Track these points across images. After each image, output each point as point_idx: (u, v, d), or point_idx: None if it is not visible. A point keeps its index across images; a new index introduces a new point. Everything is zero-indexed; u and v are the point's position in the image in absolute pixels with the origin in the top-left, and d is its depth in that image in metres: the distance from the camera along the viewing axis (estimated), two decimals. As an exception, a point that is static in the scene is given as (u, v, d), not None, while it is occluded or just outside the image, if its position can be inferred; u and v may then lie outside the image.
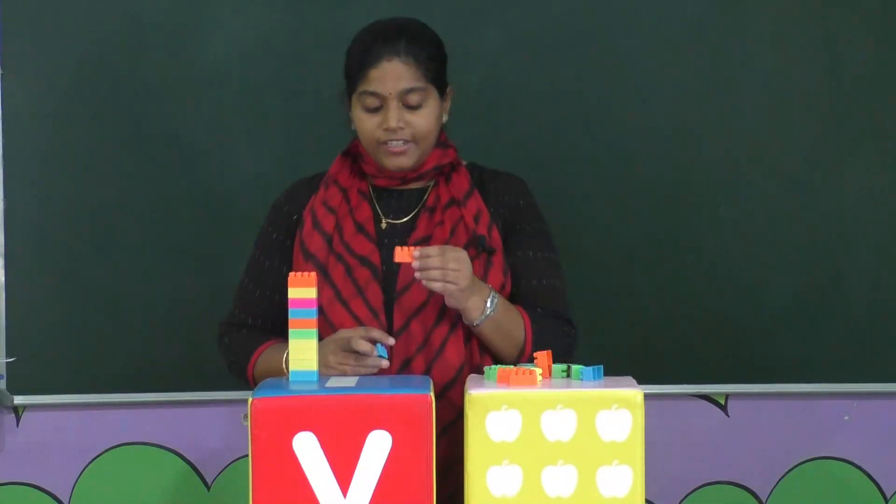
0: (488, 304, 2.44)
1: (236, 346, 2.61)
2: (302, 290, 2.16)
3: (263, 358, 2.54)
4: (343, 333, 2.42)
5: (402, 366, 2.45)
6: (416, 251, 2.36)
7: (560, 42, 3.35)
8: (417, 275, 2.37)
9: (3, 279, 3.26)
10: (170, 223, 3.30)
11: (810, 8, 3.40)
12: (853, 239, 3.42)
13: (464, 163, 2.63)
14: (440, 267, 2.36)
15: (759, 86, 3.40)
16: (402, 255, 2.37)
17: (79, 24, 3.27)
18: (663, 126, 3.38)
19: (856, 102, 3.41)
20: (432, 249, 2.37)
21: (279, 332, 2.49)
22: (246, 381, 2.57)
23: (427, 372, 2.45)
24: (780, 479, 3.48)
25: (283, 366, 2.43)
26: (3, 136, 3.25)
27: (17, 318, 3.26)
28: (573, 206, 3.31)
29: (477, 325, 2.45)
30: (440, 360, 2.45)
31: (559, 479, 2.05)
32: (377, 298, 2.49)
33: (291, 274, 2.17)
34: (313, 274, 2.18)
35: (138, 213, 3.29)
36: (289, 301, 2.16)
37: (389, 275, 2.50)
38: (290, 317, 2.16)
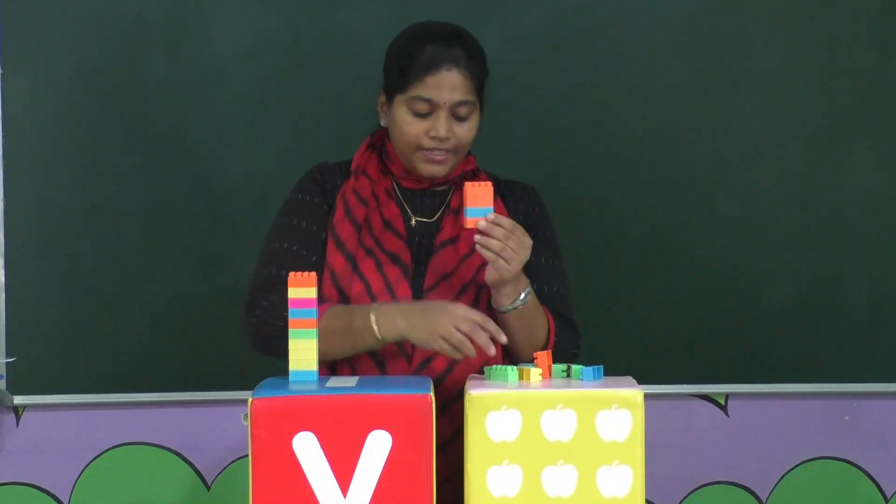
0: (520, 297, 2.44)
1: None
2: (302, 290, 2.16)
3: (329, 313, 2.40)
4: (472, 315, 2.35)
5: (422, 364, 2.45)
6: (491, 216, 2.36)
7: (559, 42, 3.36)
8: (478, 237, 2.36)
9: (3, 279, 3.26)
10: (170, 223, 3.29)
11: (810, 8, 3.40)
12: (853, 238, 3.42)
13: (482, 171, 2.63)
14: (502, 241, 2.36)
15: (759, 85, 3.40)
16: (472, 221, 2.35)
17: (79, 23, 3.26)
18: (663, 125, 3.39)
19: (855, 102, 3.41)
20: (505, 221, 2.37)
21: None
22: None
23: (448, 371, 2.45)
24: (780, 479, 3.48)
25: (374, 325, 2.37)
26: (3, 136, 3.25)
27: (17, 318, 3.26)
28: (572, 205, 3.31)
29: (503, 311, 2.45)
30: (462, 361, 2.44)
31: (559, 479, 2.05)
32: (406, 297, 2.48)
33: (291, 274, 2.17)
34: (313, 274, 2.17)
35: (138, 213, 3.29)
36: (289, 301, 2.16)
37: (417, 274, 2.50)
38: (289, 317, 2.15)
